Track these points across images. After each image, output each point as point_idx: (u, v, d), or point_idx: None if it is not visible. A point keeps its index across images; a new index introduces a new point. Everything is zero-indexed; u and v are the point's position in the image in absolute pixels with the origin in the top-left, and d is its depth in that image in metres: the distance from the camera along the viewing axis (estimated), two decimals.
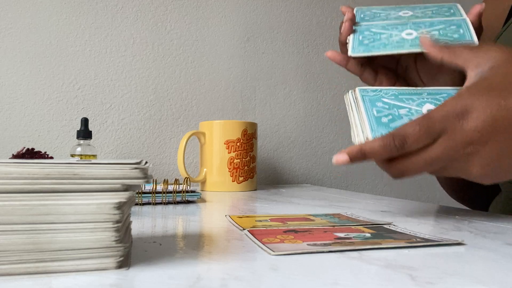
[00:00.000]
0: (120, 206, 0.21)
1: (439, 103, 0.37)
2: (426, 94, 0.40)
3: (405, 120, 0.37)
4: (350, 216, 0.41)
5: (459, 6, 0.45)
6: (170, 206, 0.49)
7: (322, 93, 1.03)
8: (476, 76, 0.35)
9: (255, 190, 0.76)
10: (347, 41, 0.46)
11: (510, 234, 0.32)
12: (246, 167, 0.73)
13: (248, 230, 0.32)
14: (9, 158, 0.42)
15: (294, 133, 1.00)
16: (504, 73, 0.33)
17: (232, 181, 0.72)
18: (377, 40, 0.44)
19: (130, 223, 0.26)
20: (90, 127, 0.73)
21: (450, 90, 0.40)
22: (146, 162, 0.24)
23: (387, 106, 0.39)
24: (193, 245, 0.28)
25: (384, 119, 0.38)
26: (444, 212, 0.45)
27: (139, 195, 0.50)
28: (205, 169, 0.74)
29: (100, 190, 0.22)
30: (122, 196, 0.22)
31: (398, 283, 0.20)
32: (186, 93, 0.91)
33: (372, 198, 0.61)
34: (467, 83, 0.35)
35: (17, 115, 0.81)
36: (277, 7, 0.99)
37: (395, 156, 0.34)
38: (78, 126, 0.74)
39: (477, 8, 0.42)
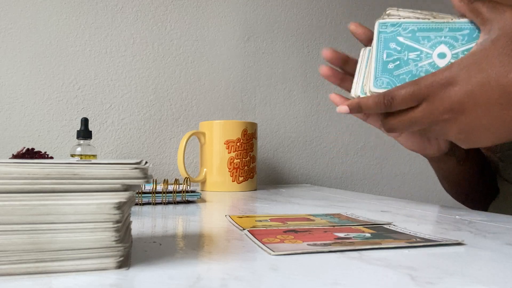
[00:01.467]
0: (120, 206, 0.21)
1: (455, 44, 0.39)
2: (447, 30, 0.40)
3: (411, 66, 0.40)
4: (350, 216, 0.41)
5: None
6: (170, 206, 0.49)
7: (322, 93, 1.03)
8: (481, 43, 0.37)
9: (255, 190, 0.76)
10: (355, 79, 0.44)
11: (510, 234, 0.32)
12: (246, 167, 0.73)
13: (248, 230, 0.32)
14: (9, 158, 0.42)
15: (294, 133, 1.00)
16: (501, 47, 0.35)
17: (232, 181, 0.72)
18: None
19: (130, 223, 0.26)
20: (90, 127, 0.73)
21: (472, 26, 0.39)
22: (146, 162, 0.24)
23: (399, 48, 0.41)
24: (193, 245, 0.28)
25: (391, 65, 0.41)
26: (444, 212, 0.45)
27: (139, 195, 0.50)
28: (205, 169, 0.74)
29: (100, 190, 0.22)
30: (122, 196, 0.22)
31: (398, 283, 0.20)
32: (186, 93, 0.91)
33: (372, 198, 0.61)
34: (472, 49, 0.38)
35: (17, 115, 0.81)
36: (277, 7, 0.99)
37: (386, 112, 0.40)
38: (78, 126, 0.74)
39: None
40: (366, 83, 0.42)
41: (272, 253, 0.25)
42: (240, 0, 0.96)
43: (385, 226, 0.35)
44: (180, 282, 0.20)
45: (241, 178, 0.73)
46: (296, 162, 1.00)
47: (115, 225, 0.21)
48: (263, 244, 0.27)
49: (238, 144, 0.73)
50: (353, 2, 1.06)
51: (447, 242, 0.28)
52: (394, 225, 0.35)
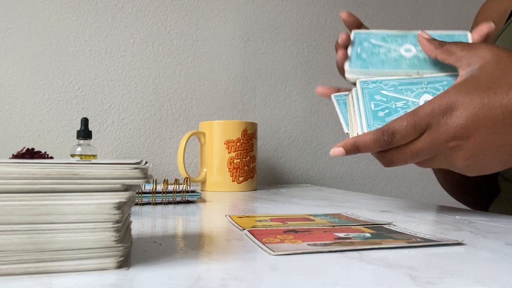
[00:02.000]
0: (120, 206, 0.21)
1: (437, 92, 0.39)
2: (426, 82, 0.41)
3: (401, 113, 0.39)
4: (350, 216, 0.41)
5: (469, 36, 0.43)
6: (170, 206, 0.49)
7: None
8: (466, 75, 0.37)
9: (255, 190, 0.76)
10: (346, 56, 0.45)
11: (510, 234, 0.32)
12: (246, 167, 0.73)
13: (248, 230, 0.32)
14: (9, 158, 0.42)
15: (294, 133, 1.00)
16: (490, 72, 0.35)
17: (232, 181, 0.72)
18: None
19: (130, 223, 0.26)
20: (90, 127, 0.73)
21: (449, 77, 0.40)
22: (146, 162, 0.24)
23: (385, 99, 0.40)
24: (193, 245, 0.28)
25: (381, 113, 0.40)
26: (444, 212, 0.45)
27: (139, 195, 0.50)
28: (205, 169, 0.74)
29: (100, 190, 0.22)
30: (122, 196, 0.22)
31: (398, 283, 0.20)
32: (186, 93, 0.91)
33: (372, 198, 0.61)
34: (458, 80, 0.37)
35: (17, 115, 0.81)
36: (277, 7, 0.99)
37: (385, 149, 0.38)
38: (78, 126, 0.74)
39: (484, 29, 0.42)
40: (362, 124, 0.41)
41: (272, 253, 0.25)
42: (240, 0, 0.96)
43: (385, 226, 0.35)
44: (180, 282, 0.20)
45: (241, 178, 0.73)
46: (296, 162, 1.00)
47: (115, 225, 0.21)
48: (263, 244, 0.27)
49: (238, 144, 0.73)
50: (353, 2, 1.06)
51: (447, 242, 0.28)
52: (394, 225, 0.35)
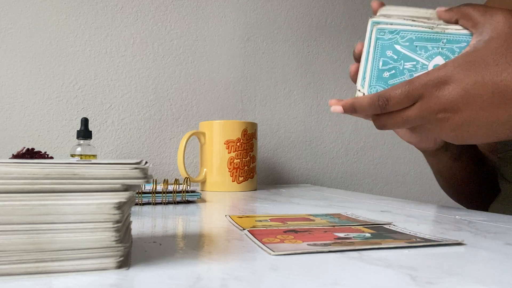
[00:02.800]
0: (120, 206, 0.21)
1: (451, 56, 0.39)
2: (445, 41, 0.40)
3: (406, 76, 0.40)
4: (350, 216, 0.41)
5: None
6: (170, 206, 0.49)
7: (322, 93, 1.03)
8: (472, 46, 0.37)
9: (255, 190, 0.76)
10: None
11: (510, 234, 0.32)
12: (246, 167, 0.73)
13: (248, 230, 0.32)
14: (9, 158, 0.42)
15: (294, 133, 1.00)
16: (495, 47, 0.36)
17: (232, 181, 0.72)
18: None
19: (130, 223, 0.26)
20: (90, 127, 0.73)
21: (469, 38, 0.39)
22: (146, 162, 0.24)
23: (395, 57, 0.40)
24: (193, 245, 0.28)
25: (386, 74, 0.40)
26: (444, 212, 0.45)
27: (139, 195, 0.50)
28: (205, 169, 0.74)
29: (100, 190, 0.22)
30: (122, 196, 0.22)
31: (398, 283, 0.20)
32: (186, 93, 0.91)
33: (372, 198, 0.61)
34: (463, 51, 0.38)
35: (17, 115, 0.81)
36: (277, 7, 0.99)
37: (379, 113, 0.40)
38: (78, 126, 0.74)
39: None
40: (361, 85, 0.42)
41: (272, 253, 0.25)
42: (240, 0, 0.96)
43: (385, 226, 0.35)
44: (180, 282, 0.20)
45: (241, 178, 0.73)
46: (296, 162, 1.00)
47: (115, 225, 0.21)
48: (263, 244, 0.27)
49: (238, 144, 0.73)
50: (353, 2, 1.06)
51: (447, 242, 0.28)
52: (394, 225, 0.35)
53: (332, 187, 0.98)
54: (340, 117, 1.04)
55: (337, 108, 0.42)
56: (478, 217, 0.41)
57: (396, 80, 0.40)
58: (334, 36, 1.04)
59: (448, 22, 0.40)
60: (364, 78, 0.41)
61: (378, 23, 0.41)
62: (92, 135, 0.75)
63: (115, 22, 0.87)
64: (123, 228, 0.22)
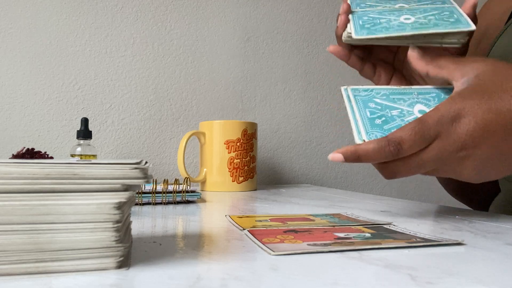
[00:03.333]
0: (120, 206, 0.21)
1: (429, 103, 0.39)
2: (416, 93, 0.41)
3: (398, 121, 0.38)
4: (350, 216, 0.41)
5: (457, 7, 0.44)
6: (170, 206, 0.49)
7: (322, 93, 1.03)
8: (463, 84, 0.35)
9: (255, 190, 0.76)
10: (347, 28, 0.45)
11: (510, 234, 0.32)
12: (246, 167, 0.73)
13: (248, 230, 0.32)
14: (9, 158, 0.42)
15: (294, 133, 1.00)
16: (490, 80, 0.34)
17: (232, 181, 0.72)
18: (378, 24, 0.44)
19: (130, 223, 0.26)
20: (90, 127, 0.73)
21: (438, 90, 0.41)
22: (146, 162, 0.24)
23: (379, 107, 0.40)
24: (193, 245, 0.28)
25: (378, 121, 0.38)
26: (444, 212, 0.45)
27: (139, 195, 0.50)
28: (205, 169, 0.74)
29: (100, 190, 0.22)
30: (122, 196, 0.22)
31: (398, 283, 0.20)
32: (186, 93, 0.91)
33: (372, 198, 0.61)
34: (457, 88, 0.36)
35: (17, 115, 0.81)
36: (277, 7, 0.99)
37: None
38: (78, 126, 0.74)
39: (471, 1, 0.42)
40: (360, 131, 0.39)
41: (272, 253, 0.25)
42: (240, 0, 0.96)
43: (385, 226, 0.35)
44: (180, 282, 0.20)
45: (241, 178, 0.73)
46: (296, 162, 1.00)
47: (115, 225, 0.21)
48: (263, 244, 0.27)
49: (238, 144, 0.73)
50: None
51: (447, 242, 0.28)
52: (394, 225, 0.35)
53: (332, 187, 0.98)
54: (340, 117, 1.04)
55: (337, 157, 0.35)
56: (478, 217, 0.41)
57: (390, 125, 0.38)
58: (334, 36, 1.04)
59: (419, 70, 0.40)
60: (358, 131, 0.38)
61: (348, 86, 0.43)
62: (92, 135, 0.75)
63: (115, 22, 0.87)
64: (123, 228, 0.22)
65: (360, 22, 0.45)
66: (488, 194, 0.61)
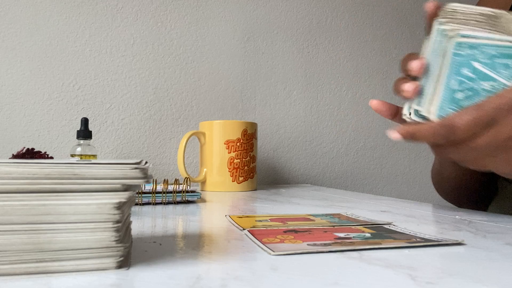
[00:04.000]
0: (120, 206, 0.21)
1: None
2: None
3: (482, 98, 0.34)
4: (350, 216, 0.41)
5: None
6: (170, 206, 0.49)
7: (322, 93, 1.03)
8: None
9: (255, 190, 0.76)
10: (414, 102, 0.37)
11: (510, 234, 0.32)
12: (246, 167, 0.73)
13: (248, 230, 0.32)
14: (9, 158, 0.42)
15: (294, 133, 1.00)
16: None
17: (232, 181, 0.72)
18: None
19: (130, 223, 0.26)
20: (90, 127, 0.73)
21: None
22: (146, 162, 0.24)
23: (472, 76, 0.34)
24: (193, 245, 0.28)
25: (460, 95, 0.34)
26: (444, 212, 0.45)
27: (139, 195, 0.50)
28: (205, 169, 0.74)
29: (100, 190, 0.22)
30: (122, 196, 0.22)
31: (398, 283, 0.20)
32: (186, 93, 0.91)
33: (372, 198, 0.61)
34: None
35: (17, 115, 0.81)
36: (277, 7, 0.99)
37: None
38: (78, 126, 0.74)
39: None
40: (427, 106, 0.35)
41: (272, 253, 0.25)
42: (240, 0, 0.96)
43: (385, 226, 0.35)
44: (180, 282, 0.20)
45: (241, 178, 0.73)
46: (296, 162, 1.00)
47: (115, 225, 0.21)
48: (263, 244, 0.27)
49: (238, 144, 0.73)
50: (353, 2, 1.06)
51: (447, 242, 0.28)
52: (394, 225, 0.35)
53: (332, 187, 0.98)
54: (340, 117, 1.04)
55: (395, 135, 0.36)
56: (478, 217, 0.41)
57: (472, 101, 0.34)
58: (334, 36, 1.04)
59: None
60: (430, 99, 0.34)
61: (463, 36, 0.34)
62: (92, 135, 0.75)
63: (115, 22, 0.87)
64: (123, 228, 0.22)
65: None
66: (487, 195, 0.61)
